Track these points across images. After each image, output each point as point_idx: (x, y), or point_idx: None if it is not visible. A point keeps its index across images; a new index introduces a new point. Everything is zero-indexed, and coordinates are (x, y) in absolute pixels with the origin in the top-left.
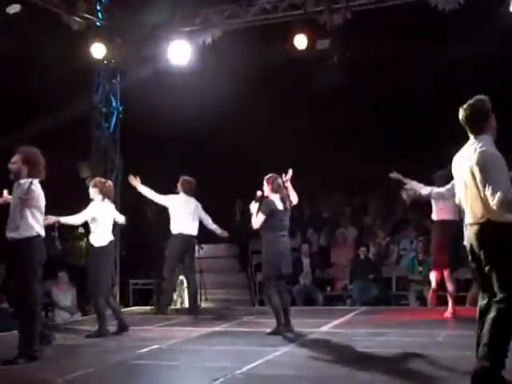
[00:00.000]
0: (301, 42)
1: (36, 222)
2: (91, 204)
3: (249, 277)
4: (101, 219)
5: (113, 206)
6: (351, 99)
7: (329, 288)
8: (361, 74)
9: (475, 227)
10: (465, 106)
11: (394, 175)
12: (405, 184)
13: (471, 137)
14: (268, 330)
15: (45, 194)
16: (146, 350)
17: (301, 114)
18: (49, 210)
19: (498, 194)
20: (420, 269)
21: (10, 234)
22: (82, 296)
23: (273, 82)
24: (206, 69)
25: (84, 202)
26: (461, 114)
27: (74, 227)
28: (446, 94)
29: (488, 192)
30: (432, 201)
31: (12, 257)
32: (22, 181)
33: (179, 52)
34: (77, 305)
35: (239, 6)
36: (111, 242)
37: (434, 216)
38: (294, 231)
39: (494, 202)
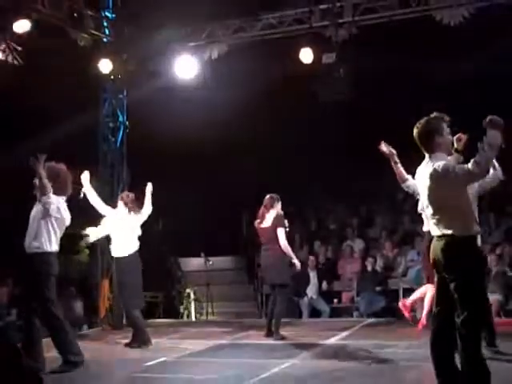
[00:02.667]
0: (307, 56)
1: (51, 239)
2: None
3: (255, 289)
4: (120, 227)
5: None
6: (358, 112)
7: (336, 300)
8: (366, 87)
9: (441, 241)
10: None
11: (384, 148)
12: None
13: (426, 156)
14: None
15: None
16: (152, 362)
17: (307, 127)
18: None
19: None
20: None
21: (27, 248)
22: (89, 309)
23: (278, 96)
24: (212, 83)
25: (89, 215)
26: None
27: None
28: (452, 108)
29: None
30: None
31: (26, 270)
32: (44, 197)
33: (185, 67)
34: (83, 318)
35: (245, 20)
36: (134, 253)
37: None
38: (300, 244)
39: (472, 169)
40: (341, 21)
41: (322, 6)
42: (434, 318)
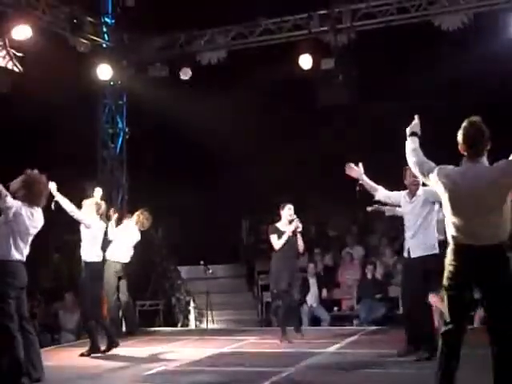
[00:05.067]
0: (306, 61)
1: (13, 247)
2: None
3: (255, 297)
4: (93, 233)
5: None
6: (357, 119)
7: (336, 308)
8: (365, 93)
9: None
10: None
11: (351, 172)
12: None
13: (468, 159)
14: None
15: (51, 213)
16: (152, 371)
17: (307, 133)
18: (55, 230)
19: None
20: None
21: None
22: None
23: (278, 102)
24: (212, 89)
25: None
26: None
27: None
28: (453, 110)
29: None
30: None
31: None
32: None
33: (184, 72)
34: (83, 326)
35: (244, 26)
36: (102, 260)
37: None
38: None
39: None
40: (339, 26)
41: (320, 12)
42: (447, 337)
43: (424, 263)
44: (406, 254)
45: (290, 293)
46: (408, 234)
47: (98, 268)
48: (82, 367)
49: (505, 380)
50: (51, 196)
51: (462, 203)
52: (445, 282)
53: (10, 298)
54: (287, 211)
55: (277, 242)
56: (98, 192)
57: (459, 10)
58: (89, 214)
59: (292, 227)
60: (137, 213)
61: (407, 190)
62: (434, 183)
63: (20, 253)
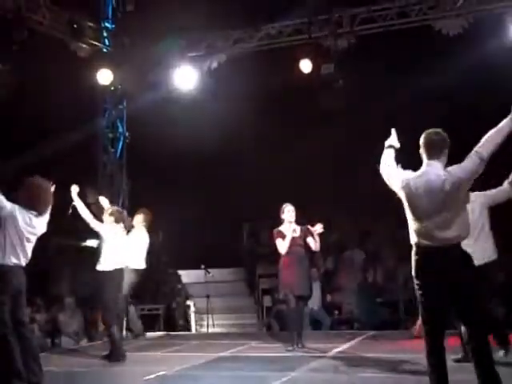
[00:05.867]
0: (306, 66)
1: (7, 251)
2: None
3: (256, 301)
4: (109, 242)
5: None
6: (357, 123)
7: (336, 312)
8: (366, 98)
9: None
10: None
11: None
12: None
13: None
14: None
15: (50, 218)
16: (152, 376)
17: (307, 137)
18: (52, 234)
19: None
20: None
21: None
22: (89, 322)
23: (278, 106)
24: (212, 94)
25: (87, 226)
26: None
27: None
28: (449, 118)
29: None
30: None
31: None
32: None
33: (185, 77)
34: (84, 331)
35: (244, 31)
36: (117, 268)
37: None
38: None
39: None
40: (340, 31)
41: (320, 17)
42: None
43: (488, 270)
44: None
45: (299, 299)
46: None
47: (116, 276)
48: (81, 372)
49: (484, 375)
50: (70, 201)
51: (417, 205)
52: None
53: (1, 304)
54: (287, 213)
55: (281, 246)
56: (104, 200)
57: (459, 15)
58: (108, 222)
59: (290, 232)
60: (140, 214)
61: None
62: (396, 188)
63: (16, 257)
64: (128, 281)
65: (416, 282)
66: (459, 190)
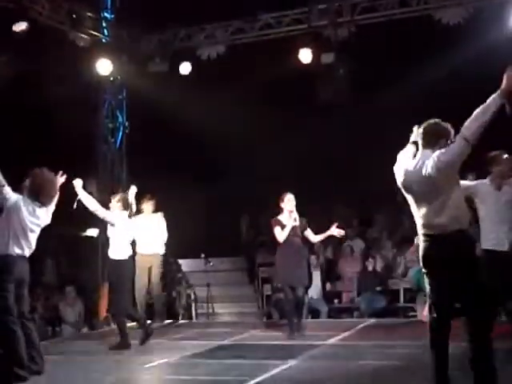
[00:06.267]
0: (306, 56)
1: (11, 242)
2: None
3: (256, 290)
4: (119, 230)
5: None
6: (358, 113)
7: (336, 300)
8: (366, 87)
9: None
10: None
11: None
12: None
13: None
14: None
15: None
16: (153, 364)
17: (308, 127)
18: (53, 223)
19: None
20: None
21: None
22: (90, 310)
23: (278, 96)
24: (212, 83)
25: (87, 216)
26: None
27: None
28: (449, 108)
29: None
30: None
31: None
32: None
33: (184, 67)
34: (84, 319)
35: (244, 21)
36: (130, 256)
37: None
38: None
39: None
40: (339, 20)
41: (320, 6)
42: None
43: None
44: (506, 248)
45: (296, 290)
46: (504, 228)
47: (126, 265)
48: (82, 360)
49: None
50: (75, 194)
51: (413, 193)
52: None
53: (5, 291)
54: (288, 202)
55: (280, 234)
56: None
57: (460, 4)
58: (116, 210)
59: (291, 220)
60: (148, 201)
61: (491, 178)
62: (399, 182)
63: (20, 248)
64: (158, 267)
65: (422, 270)
66: (444, 174)
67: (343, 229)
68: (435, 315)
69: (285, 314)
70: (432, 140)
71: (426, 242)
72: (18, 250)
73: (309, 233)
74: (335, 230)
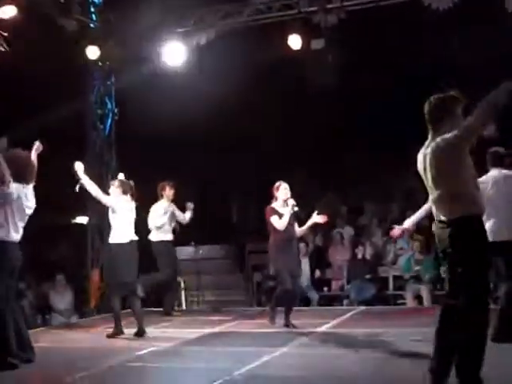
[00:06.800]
0: (295, 41)
1: (13, 229)
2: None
3: (246, 278)
4: (120, 214)
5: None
6: (347, 99)
7: (326, 288)
8: (356, 73)
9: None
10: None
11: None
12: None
13: (429, 136)
14: None
15: (37, 194)
16: (144, 351)
17: (296, 113)
18: (41, 211)
19: None
20: (416, 268)
21: None
22: (80, 298)
23: (268, 82)
24: (201, 69)
25: (77, 203)
26: None
27: None
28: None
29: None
30: None
31: None
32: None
33: (173, 53)
34: (74, 307)
35: (233, 6)
36: (133, 240)
37: None
38: None
39: None
40: (329, 6)
41: None
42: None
43: None
44: None
45: (292, 279)
46: None
47: (126, 248)
48: (72, 348)
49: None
50: (76, 177)
51: (425, 180)
52: None
53: (3, 280)
54: (283, 191)
55: (279, 222)
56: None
57: None
58: (116, 195)
59: (289, 208)
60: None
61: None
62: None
63: (17, 233)
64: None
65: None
66: (443, 160)
67: (329, 216)
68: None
69: (277, 303)
70: (433, 121)
71: (437, 228)
72: (16, 236)
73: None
74: (317, 217)
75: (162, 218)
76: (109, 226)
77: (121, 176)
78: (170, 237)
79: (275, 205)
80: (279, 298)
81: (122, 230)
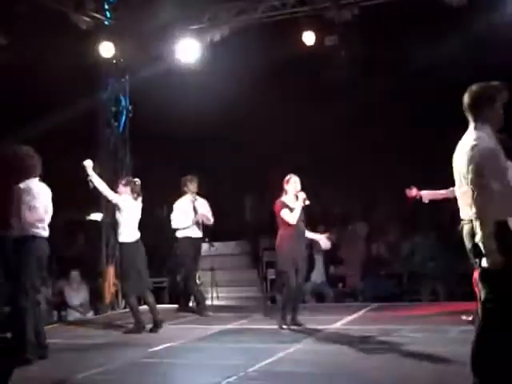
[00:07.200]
0: (309, 38)
1: (30, 223)
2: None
3: (260, 274)
4: (127, 213)
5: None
6: (359, 94)
7: (340, 284)
8: (369, 70)
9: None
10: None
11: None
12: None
13: (470, 126)
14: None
15: (52, 192)
16: (158, 348)
17: (310, 110)
18: (56, 208)
19: None
20: (431, 264)
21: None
22: (95, 295)
23: (282, 79)
24: (215, 66)
25: (90, 200)
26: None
27: None
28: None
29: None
30: None
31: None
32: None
33: (188, 50)
34: (89, 304)
35: (247, 3)
36: (139, 239)
37: None
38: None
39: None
40: (342, 2)
41: None
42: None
43: None
44: None
45: (297, 276)
46: None
47: (134, 247)
48: (87, 344)
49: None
50: (85, 174)
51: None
52: None
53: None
54: (293, 184)
55: (290, 216)
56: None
57: None
58: (124, 193)
59: (300, 201)
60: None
61: None
62: None
63: (38, 228)
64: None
65: None
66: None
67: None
68: None
69: (282, 301)
70: (469, 112)
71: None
72: (40, 232)
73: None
74: (323, 241)
75: (186, 217)
76: (111, 225)
77: (137, 181)
78: (194, 233)
79: (285, 198)
80: (286, 297)
81: (129, 229)
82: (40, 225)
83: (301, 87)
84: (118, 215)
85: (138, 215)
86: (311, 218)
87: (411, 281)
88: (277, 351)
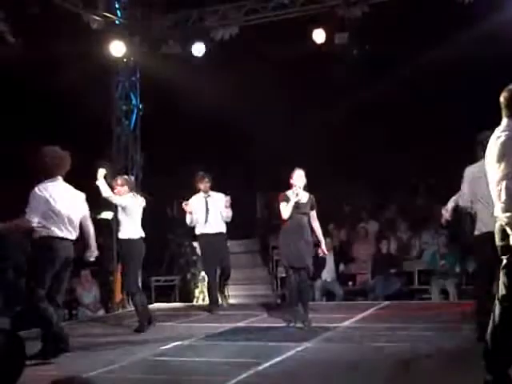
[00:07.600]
0: (319, 36)
1: (47, 224)
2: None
3: (270, 272)
4: (131, 211)
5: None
6: (370, 93)
7: (350, 283)
8: (379, 67)
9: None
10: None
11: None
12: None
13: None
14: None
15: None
16: (169, 346)
17: (321, 107)
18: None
19: None
20: (442, 262)
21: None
22: (106, 293)
23: (292, 77)
24: (225, 65)
25: (101, 199)
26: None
27: None
28: (467, 86)
29: None
30: None
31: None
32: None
33: (198, 49)
34: (100, 302)
35: (257, 1)
36: (142, 237)
37: None
38: None
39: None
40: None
41: None
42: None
43: None
44: None
45: (297, 272)
46: None
47: (136, 245)
48: (98, 342)
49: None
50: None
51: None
52: None
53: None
54: (296, 177)
55: (283, 210)
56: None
57: None
58: (124, 192)
59: (293, 195)
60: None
61: None
62: None
63: (59, 229)
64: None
65: None
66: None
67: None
68: None
69: (287, 300)
70: (504, 109)
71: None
72: (59, 233)
73: (313, 214)
74: (322, 249)
75: (199, 214)
76: (117, 223)
77: (130, 178)
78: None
79: (288, 192)
80: (288, 294)
81: (133, 227)
82: (56, 226)
83: (311, 85)
84: (119, 213)
85: (141, 212)
86: (323, 217)
87: (421, 279)
88: (286, 349)
